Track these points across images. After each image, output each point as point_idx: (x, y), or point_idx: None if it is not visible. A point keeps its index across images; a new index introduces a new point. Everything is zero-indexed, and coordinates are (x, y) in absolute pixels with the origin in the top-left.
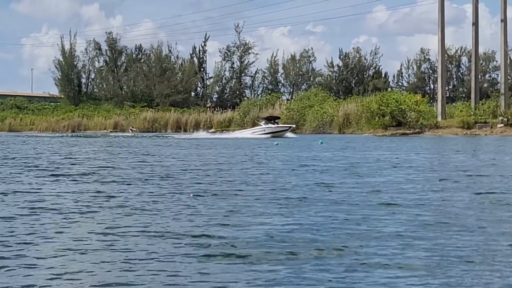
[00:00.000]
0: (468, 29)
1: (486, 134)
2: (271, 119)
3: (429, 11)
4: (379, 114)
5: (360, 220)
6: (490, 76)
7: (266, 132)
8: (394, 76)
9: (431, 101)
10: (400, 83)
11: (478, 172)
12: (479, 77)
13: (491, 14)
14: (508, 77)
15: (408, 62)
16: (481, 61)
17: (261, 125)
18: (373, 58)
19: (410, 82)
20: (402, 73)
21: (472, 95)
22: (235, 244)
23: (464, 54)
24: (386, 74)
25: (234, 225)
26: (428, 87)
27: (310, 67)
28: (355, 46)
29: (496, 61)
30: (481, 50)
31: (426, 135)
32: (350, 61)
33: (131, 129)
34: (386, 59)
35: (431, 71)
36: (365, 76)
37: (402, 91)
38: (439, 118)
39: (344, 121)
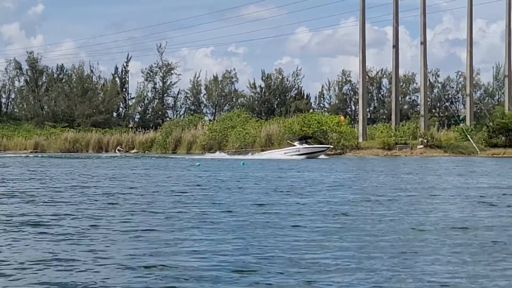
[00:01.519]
0: (389, 51)
1: (406, 155)
2: (304, 139)
3: (350, 33)
4: (301, 135)
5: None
6: (410, 98)
7: (301, 152)
8: (316, 97)
9: (353, 122)
10: (322, 104)
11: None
12: (399, 98)
13: (411, 37)
14: (428, 99)
15: (330, 83)
16: (401, 83)
17: (294, 145)
18: (295, 79)
19: (332, 103)
20: (323, 95)
21: (393, 117)
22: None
23: (384, 76)
24: (308, 95)
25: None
26: (349, 108)
27: (233, 88)
28: (278, 67)
29: (416, 83)
30: (401, 72)
31: (348, 156)
32: (272, 82)
33: (118, 149)
34: (308, 80)
35: (352, 93)
36: (287, 97)
37: (323, 112)
38: (360, 139)
39: (267, 142)
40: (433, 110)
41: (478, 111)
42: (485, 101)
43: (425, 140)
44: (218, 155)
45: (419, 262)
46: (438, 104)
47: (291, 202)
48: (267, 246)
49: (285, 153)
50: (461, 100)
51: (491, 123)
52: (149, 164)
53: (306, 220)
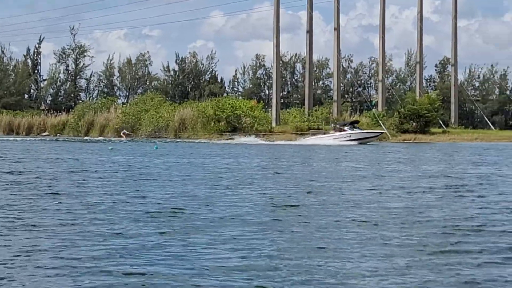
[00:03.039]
0: (303, 36)
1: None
2: (353, 124)
3: (265, 17)
4: (215, 120)
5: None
6: (323, 83)
7: (352, 138)
8: (230, 81)
9: (266, 106)
10: (236, 89)
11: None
12: (313, 83)
13: (325, 22)
14: (341, 84)
15: (244, 67)
16: (315, 68)
17: (345, 130)
18: (209, 63)
19: (246, 87)
20: (238, 79)
21: (306, 102)
22: None
23: (298, 60)
24: (222, 79)
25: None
26: (263, 93)
27: (146, 71)
28: (192, 50)
29: (329, 68)
30: (315, 57)
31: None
32: (187, 66)
33: (123, 133)
34: (222, 64)
35: (266, 77)
36: (201, 81)
37: (237, 97)
38: (274, 124)
39: (180, 126)
40: (346, 95)
41: (390, 96)
42: (397, 87)
43: (337, 125)
44: (249, 139)
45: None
46: (351, 89)
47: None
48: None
49: (334, 138)
50: (373, 86)
51: (402, 109)
52: (87, 148)
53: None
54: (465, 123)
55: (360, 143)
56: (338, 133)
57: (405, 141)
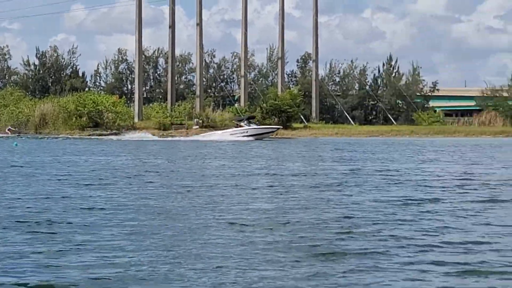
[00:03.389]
0: (165, 30)
1: (181, 136)
2: (249, 119)
3: (127, 11)
4: (76, 115)
5: None
6: (186, 78)
7: (249, 134)
8: (92, 76)
9: (129, 102)
10: (97, 83)
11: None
12: (176, 78)
13: (188, 16)
14: (203, 79)
15: (107, 62)
16: (178, 63)
17: (242, 126)
18: (70, 57)
19: (108, 82)
20: (100, 73)
21: (169, 97)
22: None
23: (161, 55)
24: (84, 73)
25: None
26: (125, 88)
27: (6, 65)
28: (53, 44)
29: (192, 63)
30: (177, 52)
31: (125, 136)
32: (47, 60)
33: (8, 130)
34: (84, 58)
35: (128, 72)
36: (62, 75)
37: (99, 91)
38: (136, 119)
39: (41, 122)
40: (209, 90)
41: (253, 92)
42: (259, 82)
43: (201, 121)
44: (141, 135)
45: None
46: (214, 84)
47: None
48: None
49: (231, 134)
50: (236, 81)
51: (264, 105)
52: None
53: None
54: (326, 118)
55: (257, 139)
56: (234, 129)
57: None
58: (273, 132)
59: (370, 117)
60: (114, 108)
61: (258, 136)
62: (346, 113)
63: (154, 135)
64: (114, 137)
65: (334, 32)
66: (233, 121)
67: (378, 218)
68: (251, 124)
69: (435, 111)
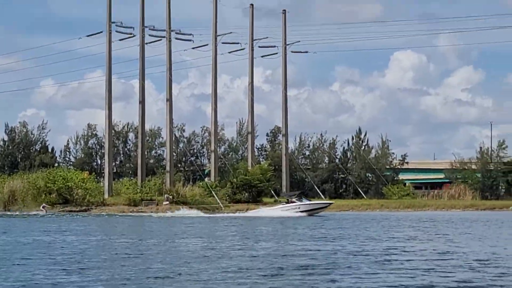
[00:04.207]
0: (136, 104)
1: (151, 212)
2: (300, 195)
3: (97, 86)
4: (46, 191)
5: None
6: (156, 152)
7: (302, 210)
8: (61, 151)
9: (98, 177)
10: (67, 158)
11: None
12: (146, 153)
13: (158, 91)
14: (174, 153)
15: (77, 137)
16: (148, 137)
17: (294, 202)
18: (40, 132)
19: (78, 157)
20: (69, 148)
21: (139, 172)
22: None
23: (131, 130)
24: (53, 149)
25: None
26: (95, 163)
27: None
28: (22, 119)
29: (162, 138)
30: (147, 126)
31: (94, 212)
32: (17, 136)
33: (43, 207)
34: (54, 133)
35: (98, 146)
36: (31, 151)
37: (69, 167)
38: (106, 195)
39: (10, 198)
40: (179, 165)
41: (223, 166)
42: (229, 155)
43: (171, 196)
44: (190, 212)
45: None
46: (184, 158)
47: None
48: None
49: (283, 209)
50: (206, 155)
51: (235, 180)
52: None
53: None
54: None
55: (309, 215)
56: (286, 205)
57: (238, 211)
58: (325, 207)
59: (340, 191)
60: (84, 185)
61: (311, 212)
62: (316, 187)
63: (124, 212)
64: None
65: (303, 106)
66: (284, 196)
67: None
68: (303, 200)
69: (404, 184)
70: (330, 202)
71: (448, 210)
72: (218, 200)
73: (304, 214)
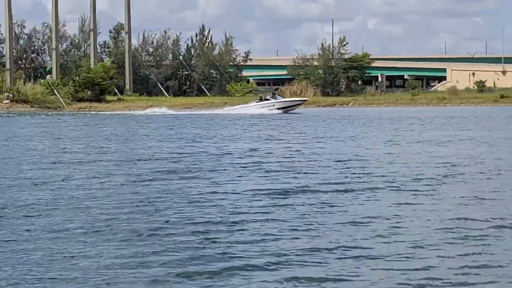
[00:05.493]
0: None
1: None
2: (274, 92)
3: None
4: None
5: None
6: None
7: (276, 107)
8: None
9: None
10: None
11: None
12: None
13: None
14: (14, 50)
15: None
16: None
17: (268, 99)
18: None
19: None
20: None
21: None
22: None
23: None
24: None
25: None
26: None
27: None
28: None
29: (1, 34)
30: None
31: None
32: None
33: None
34: None
35: None
36: None
37: None
38: None
39: None
40: (19, 62)
41: (65, 63)
42: (72, 53)
43: (11, 95)
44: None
45: None
46: (25, 55)
47: None
48: None
49: (259, 107)
50: (47, 52)
51: (77, 78)
52: None
53: None
54: (140, 89)
55: (284, 112)
56: (261, 102)
57: (81, 110)
58: (300, 104)
59: (184, 87)
60: None
61: (286, 109)
62: (160, 84)
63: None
64: None
65: (147, 1)
66: (259, 93)
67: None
68: (277, 97)
69: (248, 81)
70: (304, 99)
71: None
72: (60, 99)
73: (279, 111)
